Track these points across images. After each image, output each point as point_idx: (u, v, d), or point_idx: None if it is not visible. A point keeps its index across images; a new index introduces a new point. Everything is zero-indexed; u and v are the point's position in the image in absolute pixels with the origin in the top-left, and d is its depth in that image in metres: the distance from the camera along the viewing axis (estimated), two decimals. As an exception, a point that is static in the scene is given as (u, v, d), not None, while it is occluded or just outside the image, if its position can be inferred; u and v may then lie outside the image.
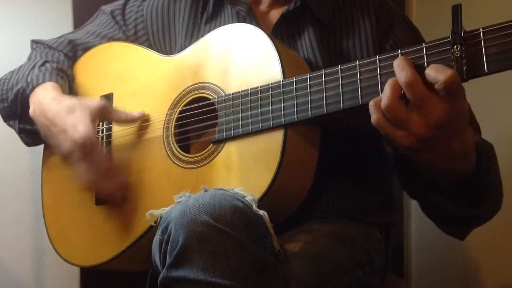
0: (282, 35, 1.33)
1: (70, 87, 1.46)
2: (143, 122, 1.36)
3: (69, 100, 1.33)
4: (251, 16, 1.34)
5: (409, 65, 0.97)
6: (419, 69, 0.98)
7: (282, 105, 1.15)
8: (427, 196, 1.17)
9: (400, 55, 1.02)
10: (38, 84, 1.37)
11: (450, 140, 0.99)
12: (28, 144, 1.52)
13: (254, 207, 1.04)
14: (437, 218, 1.24)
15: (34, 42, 1.58)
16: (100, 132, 1.41)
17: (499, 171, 1.18)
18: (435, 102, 0.95)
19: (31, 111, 1.37)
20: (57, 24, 1.96)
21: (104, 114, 1.33)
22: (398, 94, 0.97)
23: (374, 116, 0.99)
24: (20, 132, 1.49)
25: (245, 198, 1.05)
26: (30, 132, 1.46)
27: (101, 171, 1.27)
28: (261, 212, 1.04)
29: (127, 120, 1.35)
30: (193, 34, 1.41)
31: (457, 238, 1.27)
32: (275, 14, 1.38)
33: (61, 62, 1.49)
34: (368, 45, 1.31)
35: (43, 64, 1.43)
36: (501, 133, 1.75)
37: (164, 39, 1.47)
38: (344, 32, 1.34)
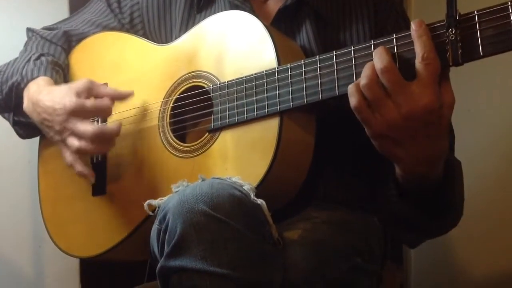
0: (280, 29, 1.32)
1: (65, 81, 1.46)
2: (138, 111, 1.36)
3: (58, 88, 1.34)
4: (245, 5, 1.33)
5: (386, 53, 0.99)
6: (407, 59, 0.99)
7: (277, 92, 1.15)
8: (390, 200, 1.16)
9: (394, 39, 1.01)
10: (32, 79, 1.38)
11: (422, 140, 1.00)
12: (22, 136, 1.53)
13: (252, 196, 1.04)
14: (391, 223, 1.23)
15: (30, 30, 1.57)
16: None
17: (463, 189, 1.17)
18: (410, 93, 0.97)
19: (25, 106, 1.37)
20: (54, 11, 1.95)
21: (91, 89, 1.32)
22: (377, 75, 0.98)
23: (353, 99, 1.01)
24: (15, 124, 1.49)
25: (243, 187, 1.05)
26: (25, 125, 1.47)
27: (102, 117, 1.31)
28: (259, 201, 1.04)
29: (115, 95, 1.34)
30: (188, 23, 1.40)
31: (408, 245, 1.28)
32: (272, 6, 1.36)
33: (57, 54, 1.49)
34: (366, 38, 1.30)
35: (38, 58, 1.43)
36: (497, 129, 1.76)
37: (160, 28, 1.46)
38: (342, 25, 1.33)
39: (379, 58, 0.99)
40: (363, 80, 0.99)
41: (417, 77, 0.97)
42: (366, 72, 1.00)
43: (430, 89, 0.96)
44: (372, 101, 0.99)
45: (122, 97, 1.34)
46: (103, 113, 1.33)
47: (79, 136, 1.26)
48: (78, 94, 1.29)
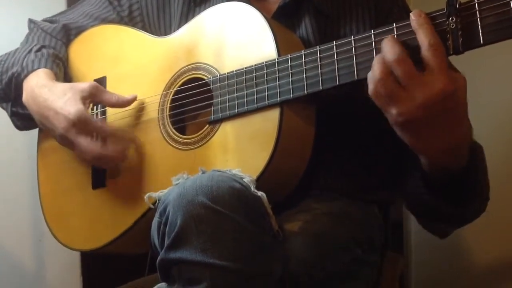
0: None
1: (65, 73, 1.46)
2: (137, 104, 1.35)
3: (60, 86, 1.33)
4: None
5: (397, 43, 0.97)
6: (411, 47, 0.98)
7: (278, 83, 1.14)
8: (415, 189, 1.15)
9: (395, 29, 1.01)
10: (32, 70, 1.37)
11: (442, 128, 0.98)
12: (19, 128, 1.52)
13: (252, 188, 1.03)
14: (420, 214, 1.23)
15: (32, 22, 1.56)
16: (95, 116, 1.41)
17: (487, 173, 1.16)
18: (424, 83, 0.95)
19: (24, 98, 1.37)
20: (51, 4, 1.95)
21: (95, 95, 1.32)
22: (388, 70, 0.96)
23: (370, 87, 0.98)
24: (12, 115, 1.49)
25: (243, 179, 1.04)
26: (22, 116, 1.46)
27: (103, 137, 1.28)
28: (260, 193, 1.03)
29: (118, 103, 1.34)
30: (188, 16, 1.39)
31: (438, 236, 1.27)
32: (271, 3, 1.34)
33: (58, 48, 1.48)
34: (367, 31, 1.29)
35: (39, 50, 1.43)
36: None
37: (159, 21, 1.45)
38: (342, 20, 1.32)
39: (391, 48, 0.96)
40: (374, 74, 0.97)
41: (426, 66, 0.95)
42: (378, 67, 0.97)
43: (443, 75, 0.94)
44: (387, 96, 0.97)
45: (125, 103, 1.34)
46: (103, 134, 1.30)
47: (79, 150, 1.28)
48: (84, 100, 1.28)
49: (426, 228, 1.26)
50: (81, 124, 1.26)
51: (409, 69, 0.95)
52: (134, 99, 1.34)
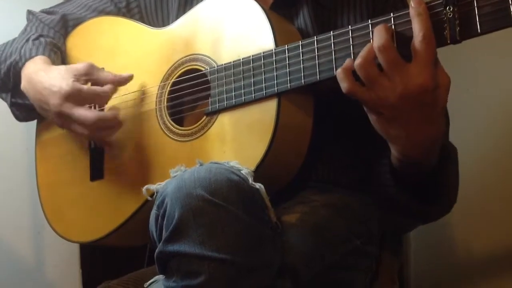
0: None
1: (63, 63, 1.45)
2: (135, 95, 1.35)
3: (56, 68, 1.34)
4: None
5: (386, 31, 0.98)
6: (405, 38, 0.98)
7: (275, 73, 1.14)
8: (384, 183, 1.16)
9: (392, 19, 1.00)
10: (30, 58, 1.38)
11: (417, 121, 1.00)
12: (19, 118, 1.52)
13: (250, 180, 1.03)
14: (385, 207, 1.23)
15: (30, 13, 1.56)
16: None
17: (458, 174, 1.17)
18: (406, 73, 0.96)
19: (22, 85, 1.37)
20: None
21: (91, 73, 1.32)
22: (372, 55, 0.98)
23: (344, 84, 1.01)
24: (12, 105, 1.49)
25: (241, 171, 1.04)
26: (22, 106, 1.47)
27: (99, 104, 1.30)
28: (258, 185, 1.03)
29: (115, 80, 1.33)
30: (186, 8, 1.39)
31: (399, 231, 1.29)
32: None
33: (56, 38, 1.48)
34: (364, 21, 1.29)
35: (37, 38, 1.43)
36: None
37: (157, 13, 1.45)
38: (340, 11, 1.31)
39: (377, 36, 0.98)
40: (357, 59, 0.99)
41: (414, 57, 0.96)
42: (361, 52, 1.00)
43: (427, 69, 0.96)
44: (366, 80, 0.99)
45: (122, 81, 1.34)
46: (100, 100, 1.32)
47: (78, 122, 1.27)
48: (77, 78, 1.29)
49: (391, 223, 1.27)
50: (74, 96, 1.26)
51: (393, 57, 0.97)
52: (131, 77, 1.34)
